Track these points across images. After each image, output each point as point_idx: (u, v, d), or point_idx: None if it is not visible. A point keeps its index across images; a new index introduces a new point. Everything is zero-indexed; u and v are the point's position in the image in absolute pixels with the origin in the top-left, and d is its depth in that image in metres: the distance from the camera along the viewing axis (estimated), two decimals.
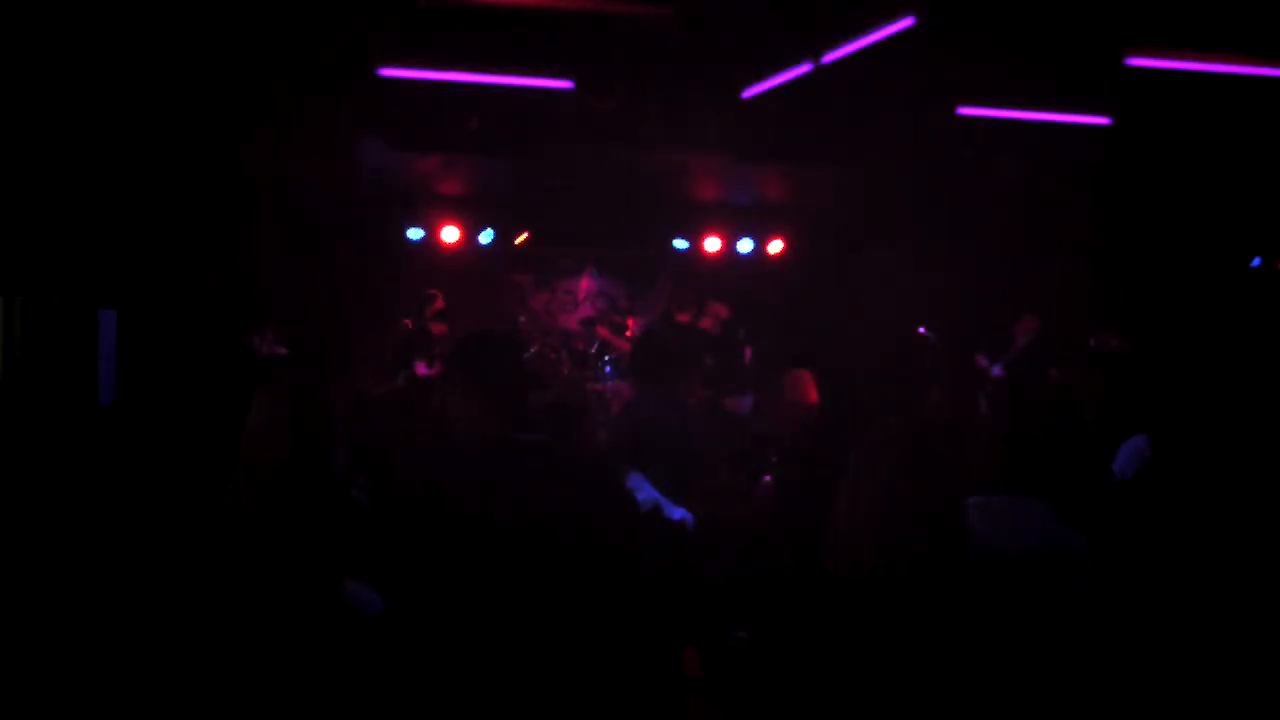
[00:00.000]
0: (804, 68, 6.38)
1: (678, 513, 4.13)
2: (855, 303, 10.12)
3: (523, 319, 11.18)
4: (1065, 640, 2.57)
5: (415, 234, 10.76)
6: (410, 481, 3.07)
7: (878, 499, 2.15)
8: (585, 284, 11.87)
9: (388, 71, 6.47)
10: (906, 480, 2.15)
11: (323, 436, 2.65)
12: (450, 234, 10.79)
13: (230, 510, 2.57)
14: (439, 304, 9.03)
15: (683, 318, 9.19)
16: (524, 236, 11.05)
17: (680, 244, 11.43)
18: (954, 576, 2.12)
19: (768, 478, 5.10)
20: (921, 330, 8.48)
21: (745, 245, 11.53)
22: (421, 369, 8.21)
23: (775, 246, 11.60)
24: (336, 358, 9.33)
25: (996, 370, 8.37)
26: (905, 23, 5.57)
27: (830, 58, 6.13)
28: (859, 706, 2.07)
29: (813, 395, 5.70)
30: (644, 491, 4.09)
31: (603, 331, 10.19)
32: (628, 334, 9.96)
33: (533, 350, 10.26)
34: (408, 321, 8.76)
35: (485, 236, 10.96)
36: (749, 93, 6.99)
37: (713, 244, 11.42)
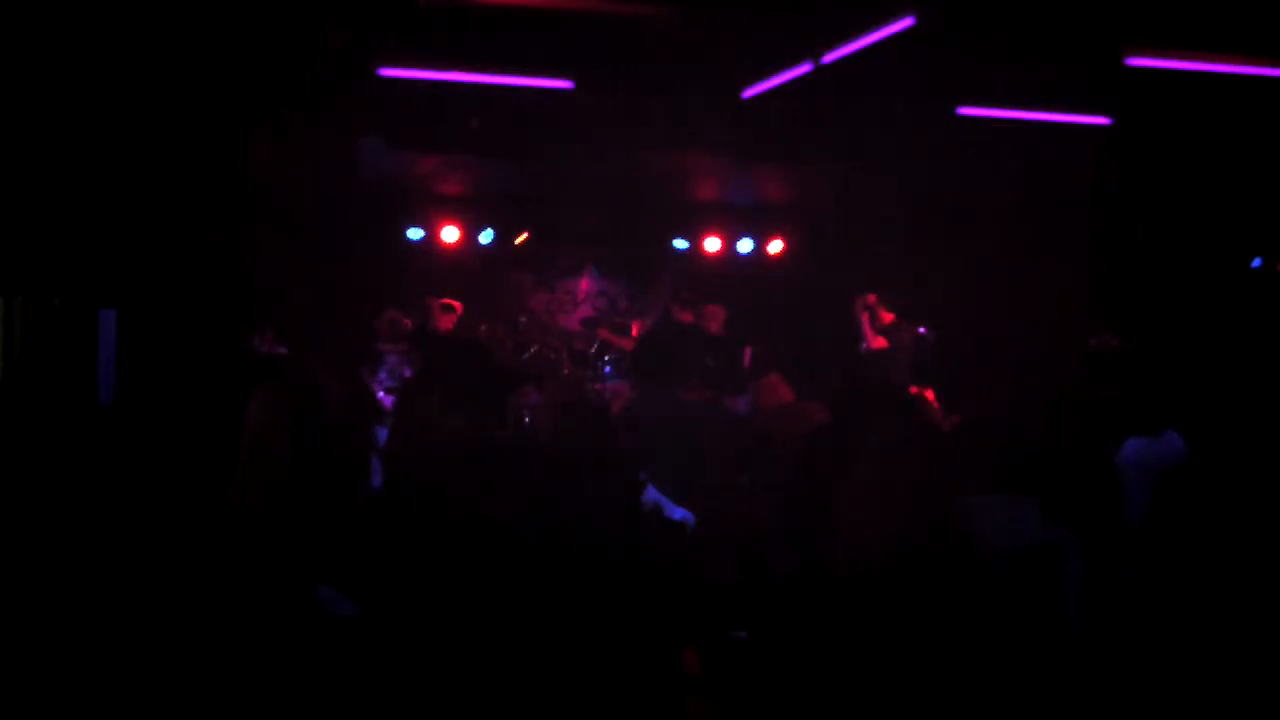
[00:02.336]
0: (804, 68, 6.38)
1: (678, 513, 4.14)
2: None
3: (523, 319, 11.17)
4: (1058, 633, 2.58)
5: (415, 234, 10.76)
6: (405, 481, 3.07)
7: (884, 500, 2.15)
8: (585, 284, 11.88)
9: (388, 71, 6.46)
10: (912, 480, 2.16)
11: (323, 435, 2.66)
12: (450, 234, 10.79)
13: (235, 509, 2.58)
14: (453, 316, 8.79)
15: (684, 318, 9.18)
16: (524, 236, 11.05)
17: (680, 244, 11.44)
18: (956, 573, 2.13)
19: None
20: (921, 330, 8.47)
21: (745, 245, 11.53)
22: (407, 373, 8.14)
23: (775, 246, 11.60)
24: (336, 358, 9.31)
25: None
26: (905, 23, 5.57)
27: (830, 58, 6.13)
28: (857, 704, 2.07)
29: (787, 394, 5.72)
30: (644, 491, 4.10)
31: (603, 333, 10.18)
32: (633, 333, 9.96)
33: (533, 350, 10.25)
34: (408, 322, 8.73)
35: (485, 236, 10.96)
36: (749, 93, 6.98)
37: (713, 244, 11.42)
